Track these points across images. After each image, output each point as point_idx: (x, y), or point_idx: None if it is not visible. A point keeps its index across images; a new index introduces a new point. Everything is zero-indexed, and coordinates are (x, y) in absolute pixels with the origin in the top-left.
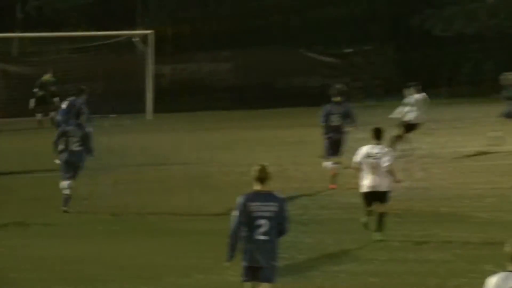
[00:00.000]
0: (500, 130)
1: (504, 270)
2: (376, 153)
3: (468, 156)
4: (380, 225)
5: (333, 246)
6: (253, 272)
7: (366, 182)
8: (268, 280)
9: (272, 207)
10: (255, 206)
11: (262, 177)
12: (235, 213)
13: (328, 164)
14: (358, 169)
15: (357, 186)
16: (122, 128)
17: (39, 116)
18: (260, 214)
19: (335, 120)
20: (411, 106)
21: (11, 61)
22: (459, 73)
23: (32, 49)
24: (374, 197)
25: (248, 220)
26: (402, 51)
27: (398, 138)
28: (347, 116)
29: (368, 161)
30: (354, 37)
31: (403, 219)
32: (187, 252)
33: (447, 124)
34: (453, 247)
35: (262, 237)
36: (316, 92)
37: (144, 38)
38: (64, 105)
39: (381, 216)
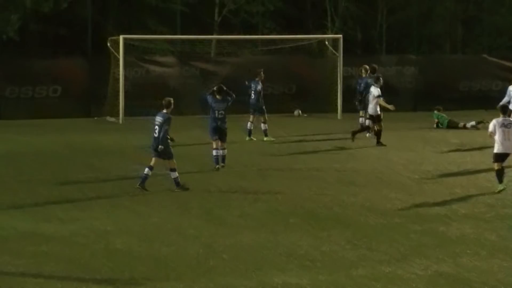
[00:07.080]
0: None
1: None
2: (508, 124)
3: None
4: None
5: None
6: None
7: (500, 146)
8: None
9: None
10: None
11: None
12: None
13: None
14: (492, 135)
15: None
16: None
17: None
18: None
19: None
20: None
21: (210, 61)
22: None
23: (228, 49)
24: (504, 157)
25: None
26: None
27: None
28: None
29: (501, 130)
30: None
31: None
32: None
33: None
34: None
35: None
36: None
37: (333, 41)
38: None
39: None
